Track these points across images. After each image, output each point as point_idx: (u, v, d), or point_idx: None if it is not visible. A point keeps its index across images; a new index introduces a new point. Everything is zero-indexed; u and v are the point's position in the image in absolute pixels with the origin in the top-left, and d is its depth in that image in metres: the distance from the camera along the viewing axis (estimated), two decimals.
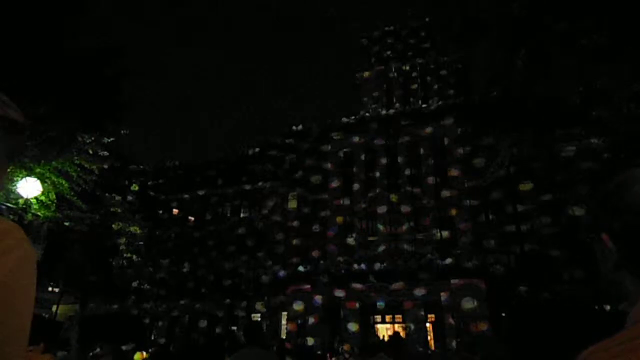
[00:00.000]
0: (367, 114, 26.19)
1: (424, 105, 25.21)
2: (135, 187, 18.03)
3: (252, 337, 3.47)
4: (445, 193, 22.78)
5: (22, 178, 9.02)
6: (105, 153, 12.30)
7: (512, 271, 18.23)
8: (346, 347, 8.90)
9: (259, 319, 25.13)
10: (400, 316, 19.87)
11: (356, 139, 25.79)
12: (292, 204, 26.68)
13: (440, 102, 24.71)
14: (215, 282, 27.73)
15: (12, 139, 0.75)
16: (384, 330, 19.86)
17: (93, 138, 11.66)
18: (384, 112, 25.76)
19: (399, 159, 24.64)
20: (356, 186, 24.92)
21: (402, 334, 17.69)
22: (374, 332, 20.36)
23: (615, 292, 0.73)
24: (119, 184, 17.69)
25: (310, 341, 19.14)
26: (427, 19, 29.08)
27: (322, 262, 21.34)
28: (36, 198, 10.42)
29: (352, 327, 19.59)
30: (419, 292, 19.19)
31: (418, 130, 24.56)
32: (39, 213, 11.22)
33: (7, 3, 9.79)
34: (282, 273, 21.29)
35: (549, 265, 18.43)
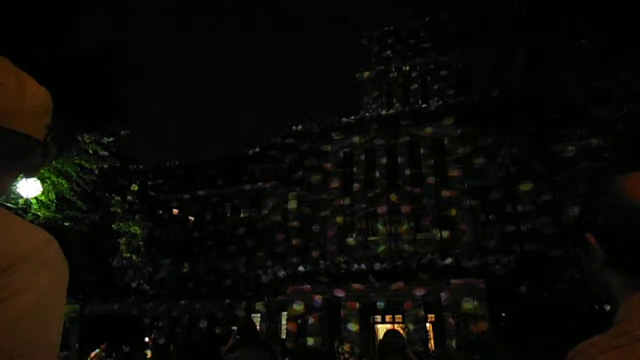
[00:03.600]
0: (367, 114, 26.18)
1: (424, 106, 25.18)
2: (135, 187, 18.03)
3: (246, 336, 3.46)
4: (445, 193, 22.77)
5: (22, 178, 9.01)
6: (105, 153, 12.30)
7: (512, 271, 18.22)
8: (346, 347, 8.90)
9: (259, 319, 25.15)
10: (400, 316, 19.87)
11: (356, 139, 25.79)
12: (292, 204, 26.68)
13: (440, 102, 24.69)
14: (215, 282, 27.72)
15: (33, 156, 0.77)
16: (384, 330, 19.85)
17: (93, 138, 11.66)
18: (384, 112, 25.74)
19: (399, 159, 24.63)
20: (356, 186, 24.91)
21: (402, 333, 17.66)
22: (373, 332, 20.38)
23: (602, 293, 0.75)
24: (119, 184, 17.68)
25: (310, 341, 19.15)
26: (427, 19, 29.08)
27: (322, 262, 21.33)
28: (36, 198, 10.43)
29: (352, 327, 19.59)
30: (419, 292, 19.18)
31: (418, 130, 24.55)
32: (39, 213, 11.22)
33: (6, 3, 9.79)
34: (282, 273, 21.28)
35: (549, 265, 18.42)
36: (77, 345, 18.49)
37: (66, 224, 12.52)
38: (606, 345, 0.62)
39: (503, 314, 18.13)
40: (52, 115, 0.80)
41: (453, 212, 22.28)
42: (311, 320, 20.22)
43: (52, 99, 0.81)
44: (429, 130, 24.42)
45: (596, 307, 13.14)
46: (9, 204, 9.85)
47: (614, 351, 0.60)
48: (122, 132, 14.30)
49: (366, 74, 29.72)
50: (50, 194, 11.23)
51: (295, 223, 25.98)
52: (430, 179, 23.55)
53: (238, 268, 27.29)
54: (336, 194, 25.09)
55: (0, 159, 0.71)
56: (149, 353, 16.18)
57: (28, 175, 0.79)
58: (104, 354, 13.26)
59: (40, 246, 0.63)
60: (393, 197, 23.63)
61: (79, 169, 11.81)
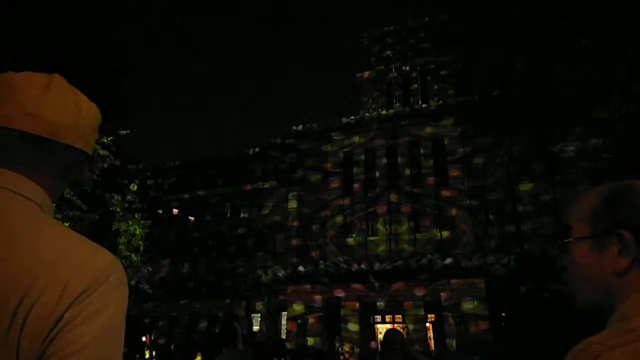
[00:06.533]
0: (367, 114, 26.18)
1: (424, 106, 25.18)
2: (134, 187, 18.00)
3: (229, 339, 3.45)
4: (445, 193, 22.77)
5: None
6: (105, 152, 12.29)
7: (512, 271, 18.21)
8: (346, 347, 8.89)
9: (259, 319, 25.15)
10: (400, 316, 19.86)
11: (356, 139, 25.78)
12: (292, 204, 26.67)
13: (440, 102, 24.69)
14: (215, 282, 27.71)
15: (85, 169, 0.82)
16: (384, 330, 19.85)
17: None
18: (384, 112, 25.74)
19: (399, 159, 24.62)
20: (356, 186, 24.90)
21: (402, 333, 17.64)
22: (373, 332, 20.37)
23: (598, 292, 0.77)
24: (119, 183, 17.67)
25: (310, 341, 19.14)
26: (427, 19, 29.07)
27: (322, 262, 21.33)
28: None
29: (352, 327, 19.58)
30: (419, 292, 19.18)
31: (418, 130, 24.54)
32: None
33: (7, 3, 9.79)
34: (282, 273, 21.27)
35: (549, 265, 18.42)
36: None
37: (66, 224, 12.52)
38: (613, 342, 0.62)
39: (503, 314, 18.12)
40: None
41: (453, 212, 22.28)
42: (311, 320, 20.21)
43: None
44: (429, 130, 24.41)
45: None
46: None
47: (622, 348, 0.60)
48: (124, 132, 14.28)
49: (366, 74, 29.72)
50: None
51: (295, 223, 25.97)
52: (430, 179, 23.54)
53: (238, 268, 27.27)
54: (336, 194, 25.08)
55: (57, 171, 0.75)
56: (147, 353, 16.17)
57: (80, 188, 0.85)
58: None
59: (111, 266, 0.67)
60: (393, 197, 23.62)
61: None
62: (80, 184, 0.82)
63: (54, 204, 0.78)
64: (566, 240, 0.83)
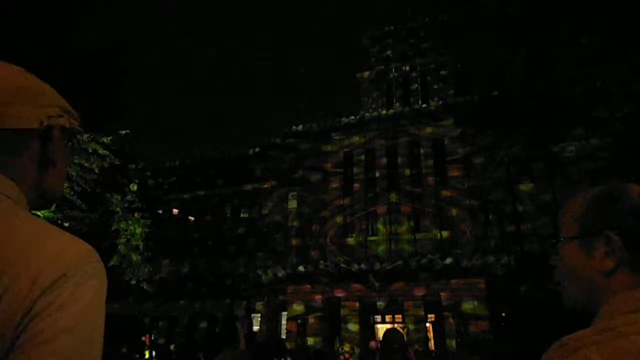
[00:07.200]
0: (367, 114, 26.18)
1: (424, 106, 25.18)
2: (134, 187, 17.99)
3: (230, 338, 3.41)
4: (445, 193, 22.77)
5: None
6: (106, 152, 12.27)
7: (512, 271, 18.21)
8: (346, 347, 8.88)
9: (259, 319, 25.14)
10: (400, 316, 19.87)
11: (356, 139, 25.78)
12: (292, 204, 26.67)
13: (440, 102, 24.69)
14: (215, 282, 27.72)
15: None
16: (384, 330, 19.84)
17: (92, 137, 11.65)
18: (384, 112, 25.74)
19: (399, 159, 24.62)
20: (356, 186, 24.90)
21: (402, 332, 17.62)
22: (373, 332, 20.38)
23: (584, 292, 0.78)
24: (119, 182, 17.65)
25: (310, 341, 19.14)
26: (427, 19, 29.08)
27: (322, 262, 21.33)
28: None
29: (352, 327, 19.59)
30: (419, 292, 19.19)
31: (418, 131, 24.55)
32: (39, 213, 11.18)
33: (7, 3, 9.80)
34: (282, 273, 21.27)
35: (549, 265, 18.41)
36: None
37: (65, 224, 12.50)
38: (591, 339, 0.64)
39: (503, 314, 18.13)
40: (47, 96, 0.78)
41: (453, 212, 22.28)
42: (311, 320, 20.22)
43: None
44: (429, 130, 24.41)
45: None
46: None
47: (598, 345, 0.62)
48: (123, 132, 14.25)
49: (366, 74, 29.71)
50: None
51: (295, 223, 25.97)
52: (430, 179, 23.54)
53: (238, 268, 27.28)
54: (336, 194, 25.08)
55: (9, 156, 0.70)
56: (147, 353, 16.19)
57: (47, 168, 0.75)
58: None
59: (84, 257, 0.64)
60: (393, 197, 23.62)
61: (78, 168, 11.79)
62: (43, 165, 0.74)
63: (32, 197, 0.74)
64: (555, 240, 0.85)
